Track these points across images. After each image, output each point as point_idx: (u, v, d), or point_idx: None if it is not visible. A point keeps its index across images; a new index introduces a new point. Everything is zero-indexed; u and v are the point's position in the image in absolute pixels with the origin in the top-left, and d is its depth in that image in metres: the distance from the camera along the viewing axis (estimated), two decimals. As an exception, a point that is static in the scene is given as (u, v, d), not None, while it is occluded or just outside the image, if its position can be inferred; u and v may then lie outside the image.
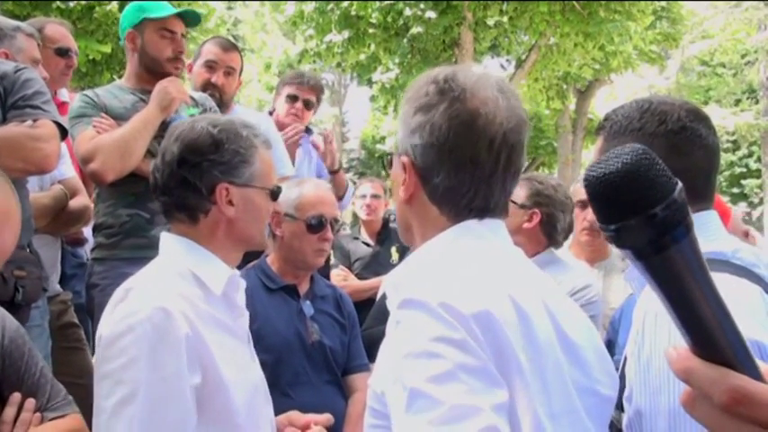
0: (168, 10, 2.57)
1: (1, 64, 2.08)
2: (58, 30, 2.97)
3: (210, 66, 3.01)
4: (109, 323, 1.36)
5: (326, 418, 1.65)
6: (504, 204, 1.12)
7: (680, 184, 0.56)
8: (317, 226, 2.23)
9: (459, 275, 0.99)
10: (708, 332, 0.56)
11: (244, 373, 1.47)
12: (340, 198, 3.54)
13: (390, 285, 1.09)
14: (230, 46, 3.13)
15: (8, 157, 1.91)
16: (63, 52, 2.94)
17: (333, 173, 3.54)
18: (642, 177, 0.55)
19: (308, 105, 3.51)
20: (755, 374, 0.56)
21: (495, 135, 1.05)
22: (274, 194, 1.59)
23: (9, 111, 2.01)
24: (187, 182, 1.48)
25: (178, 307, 1.34)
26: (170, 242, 1.53)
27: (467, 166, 1.06)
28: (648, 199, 0.55)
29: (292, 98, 3.48)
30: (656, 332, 1.11)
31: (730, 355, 0.56)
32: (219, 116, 1.88)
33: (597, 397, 1.06)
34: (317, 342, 2.22)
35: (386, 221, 4.14)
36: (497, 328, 0.92)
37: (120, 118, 2.43)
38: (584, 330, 1.11)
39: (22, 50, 2.42)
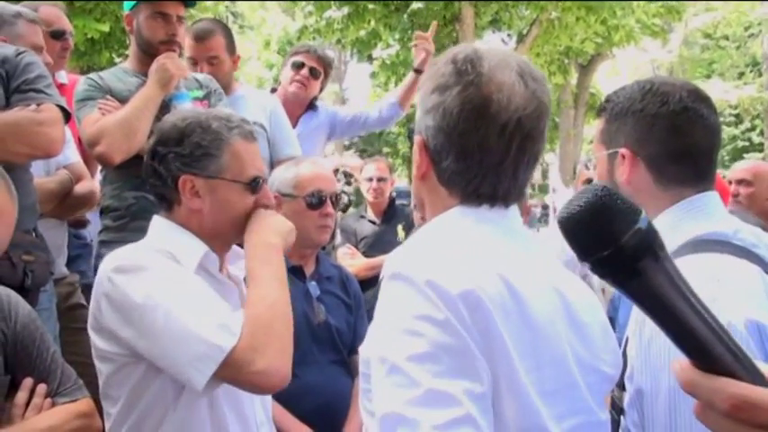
0: None
1: (1, 48, 2.08)
2: (52, 11, 2.91)
3: (193, 62, 2.95)
4: (115, 289, 1.43)
5: None
6: (517, 192, 1.09)
7: (643, 212, 0.61)
8: (316, 202, 2.23)
9: (449, 254, 0.99)
10: (700, 344, 0.59)
11: None
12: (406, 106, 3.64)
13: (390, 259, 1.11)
14: (204, 34, 2.99)
15: (14, 142, 1.92)
16: (58, 35, 2.90)
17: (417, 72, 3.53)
18: (605, 213, 0.60)
19: (314, 74, 3.42)
20: (756, 378, 0.58)
21: (508, 122, 1.02)
22: (252, 187, 1.58)
23: (12, 95, 2.01)
24: (158, 173, 1.55)
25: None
26: (155, 223, 1.61)
27: (474, 153, 1.04)
28: (615, 231, 0.59)
29: (298, 65, 3.40)
30: None
31: (727, 363, 0.58)
32: (201, 110, 1.88)
33: (599, 374, 1.07)
34: (323, 323, 2.23)
35: (392, 200, 4.13)
36: (483, 306, 0.92)
37: (124, 101, 2.43)
38: (592, 310, 1.12)
39: (21, 37, 2.41)
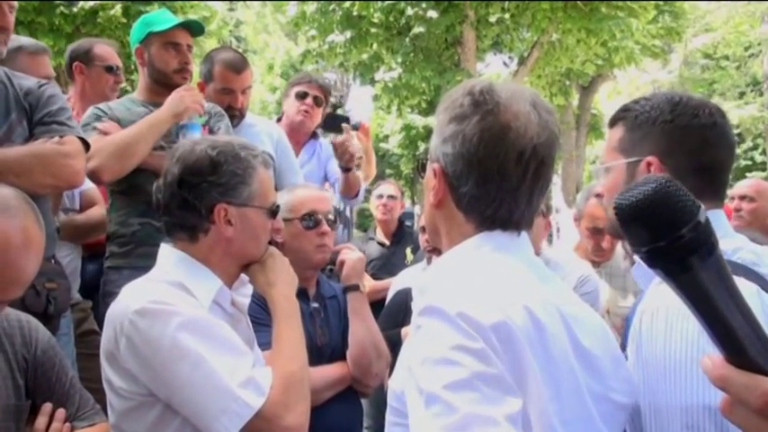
0: (171, 22, 2.64)
1: (24, 80, 2.13)
2: (106, 49, 3.19)
3: (228, 92, 2.99)
4: (137, 332, 1.41)
5: None
6: (529, 217, 1.13)
7: (702, 207, 0.61)
8: (312, 223, 2.27)
9: (477, 285, 1.01)
10: (739, 342, 0.61)
11: None
12: (354, 196, 3.54)
13: (418, 289, 1.13)
14: (243, 65, 3.07)
15: (40, 174, 1.97)
16: (110, 69, 3.14)
17: (345, 170, 3.46)
18: (669, 203, 0.61)
19: (317, 102, 3.52)
20: None
21: (525, 148, 1.07)
22: (272, 213, 1.64)
23: (36, 127, 2.06)
24: (187, 202, 1.53)
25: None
26: (166, 254, 1.60)
27: (494, 178, 1.08)
28: (675, 222, 0.60)
29: (302, 95, 3.51)
30: (653, 329, 1.12)
31: (762, 363, 0.60)
32: (219, 138, 1.91)
33: (611, 404, 1.09)
34: (326, 344, 2.27)
35: (401, 222, 4.17)
36: (514, 338, 0.95)
37: None
38: (600, 338, 1.13)
39: (24, 71, 2.46)
